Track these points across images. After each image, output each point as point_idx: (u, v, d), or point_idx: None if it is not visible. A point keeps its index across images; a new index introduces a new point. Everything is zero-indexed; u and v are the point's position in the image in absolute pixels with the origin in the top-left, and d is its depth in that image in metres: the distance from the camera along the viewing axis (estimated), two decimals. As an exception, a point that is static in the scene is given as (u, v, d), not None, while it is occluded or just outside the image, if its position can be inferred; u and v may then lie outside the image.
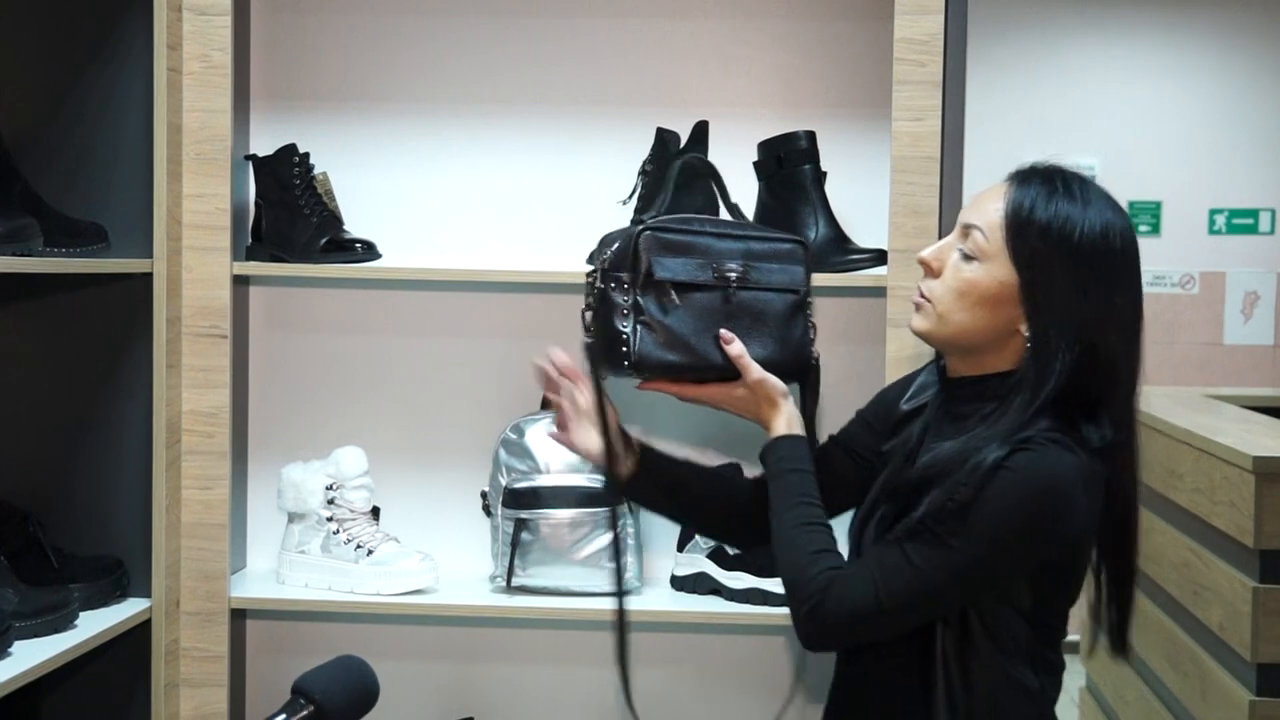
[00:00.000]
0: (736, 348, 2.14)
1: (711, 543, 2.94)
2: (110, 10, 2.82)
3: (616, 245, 2.15)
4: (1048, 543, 1.95)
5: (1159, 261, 7.44)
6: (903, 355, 2.79)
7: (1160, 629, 4.14)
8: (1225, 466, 3.63)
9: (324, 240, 2.97)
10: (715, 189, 2.36)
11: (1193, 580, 3.88)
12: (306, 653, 3.18)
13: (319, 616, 3.16)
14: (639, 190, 2.97)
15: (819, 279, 2.87)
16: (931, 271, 2.06)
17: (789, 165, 2.92)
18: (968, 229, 2.02)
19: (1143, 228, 7.45)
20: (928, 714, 1.99)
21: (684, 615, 2.95)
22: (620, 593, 2.36)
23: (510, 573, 2.93)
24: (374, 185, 3.15)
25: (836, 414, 3.09)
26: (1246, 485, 3.46)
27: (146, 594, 2.86)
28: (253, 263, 3.02)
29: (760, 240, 2.23)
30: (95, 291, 2.86)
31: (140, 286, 2.83)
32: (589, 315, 2.16)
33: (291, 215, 2.99)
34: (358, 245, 2.99)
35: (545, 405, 3.07)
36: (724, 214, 2.42)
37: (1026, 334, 1.98)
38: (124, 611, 2.81)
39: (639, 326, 2.11)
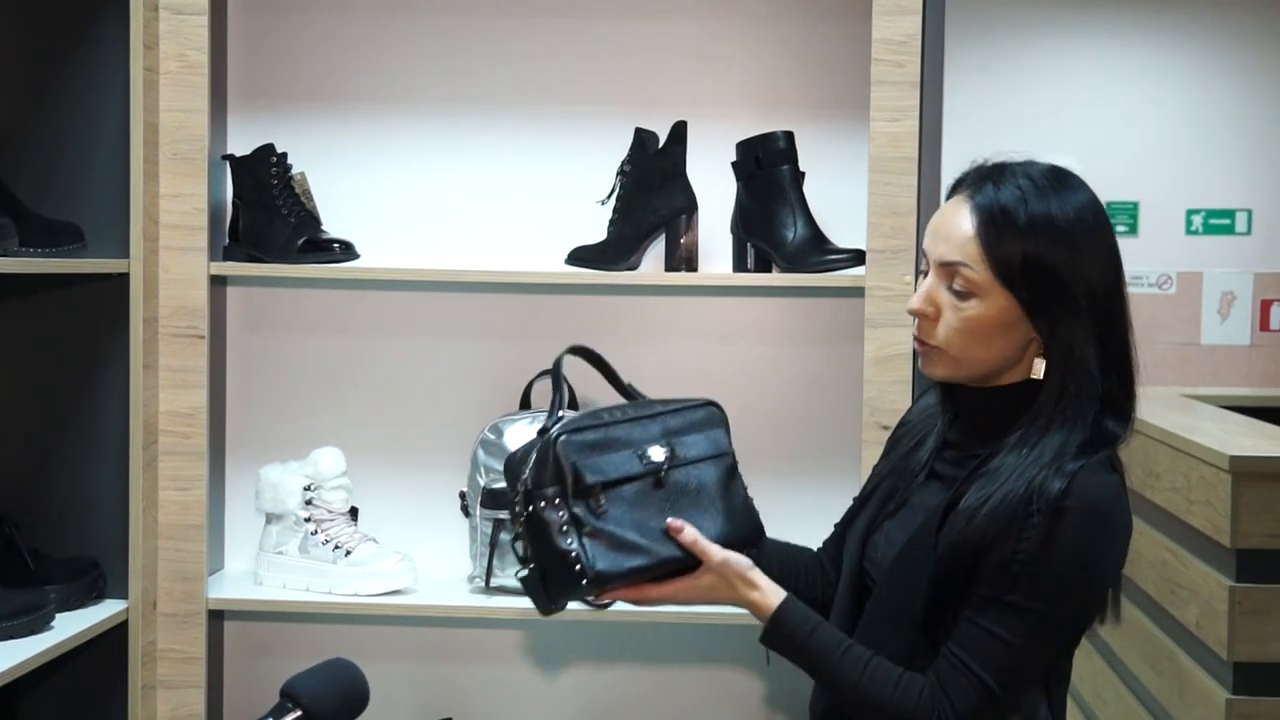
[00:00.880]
0: (689, 533, 1.97)
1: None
2: (86, 9, 2.81)
3: (533, 460, 1.94)
4: (1113, 570, 1.94)
5: (1136, 262, 7.45)
6: (882, 355, 2.79)
7: (1137, 628, 4.15)
8: (1202, 466, 3.64)
9: (301, 240, 2.96)
10: (603, 374, 2.19)
11: (1170, 579, 3.89)
12: (285, 654, 3.18)
13: (297, 617, 3.16)
14: (617, 190, 2.97)
15: (797, 279, 2.89)
16: (928, 319, 1.99)
17: (767, 165, 2.92)
18: (951, 268, 1.95)
19: (1120, 228, 7.46)
20: None
21: (660, 613, 2.95)
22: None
23: (489, 573, 2.93)
24: (352, 185, 3.15)
25: (816, 415, 3.10)
26: (1223, 484, 3.47)
27: (123, 595, 2.85)
28: (230, 263, 3.02)
29: (673, 414, 2.10)
30: (71, 292, 2.85)
31: (117, 287, 2.83)
32: (520, 545, 1.96)
33: (269, 215, 2.98)
34: (335, 245, 2.98)
35: (524, 405, 3.07)
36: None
37: (1042, 344, 1.95)
38: (101, 613, 2.80)
39: (585, 540, 1.91)
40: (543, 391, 3.09)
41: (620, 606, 2.79)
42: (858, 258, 2.87)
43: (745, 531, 2.07)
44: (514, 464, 1.98)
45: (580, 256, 2.97)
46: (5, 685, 2.48)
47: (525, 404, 3.07)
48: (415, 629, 3.19)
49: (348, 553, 2.96)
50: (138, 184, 2.81)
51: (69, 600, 2.77)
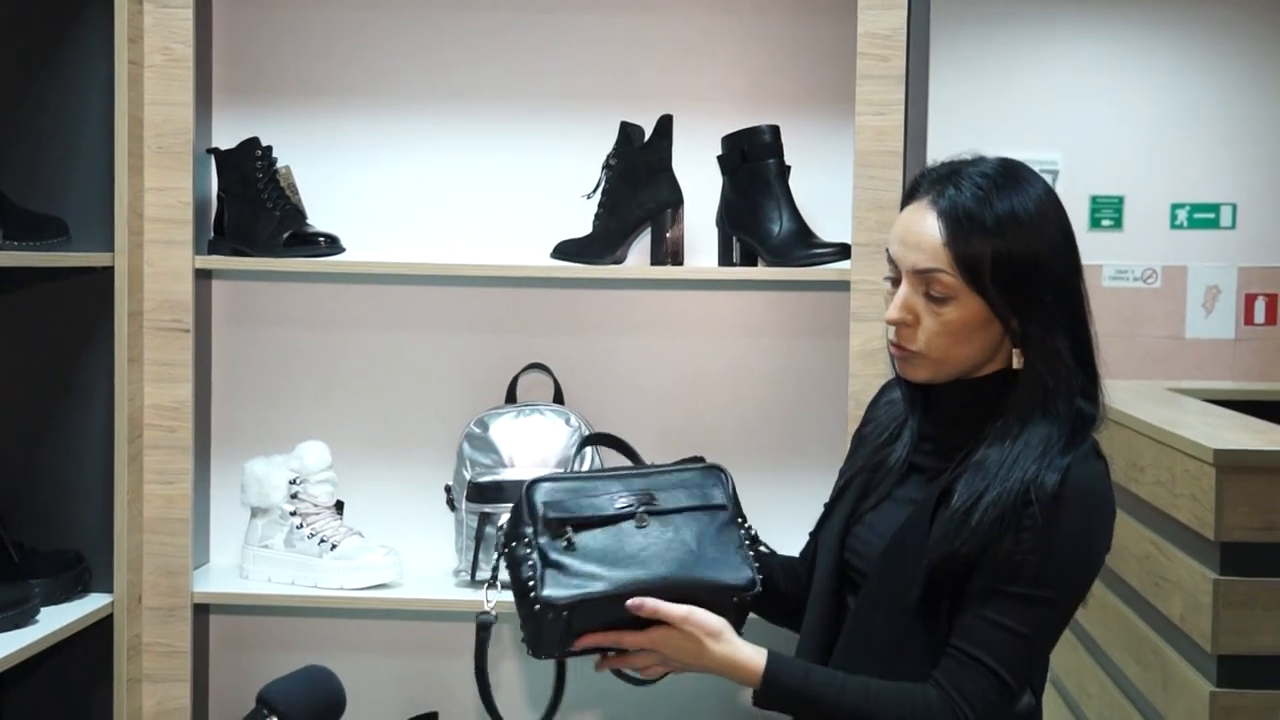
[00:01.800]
0: (649, 605, 1.98)
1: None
2: (70, 3, 2.80)
3: (510, 510, 2.08)
4: (1106, 551, 1.99)
5: (1121, 256, 7.48)
6: (866, 349, 2.80)
7: (1122, 621, 4.16)
8: (1186, 459, 3.65)
9: (287, 234, 2.96)
10: (625, 454, 2.25)
11: (1154, 572, 3.90)
12: (270, 648, 3.18)
13: (282, 611, 3.16)
14: (603, 184, 2.97)
15: (782, 273, 2.89)
16: (907, 325, 2.01)
17: (753, 159, 2.92)
18: (925, 274, 1.98)
19: (1105, 222, 7.49)
20: None
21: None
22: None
23: (474, 567, 2.93)
24: (337, 179, 3.14)
25: (801, 408, 3.11)
26: (1207, 478, 3.48)
27: (108, 589, 2.85)
28: (215, 257, 3.01)
29: (664, 474, 2.14)
30: (56, 285, 2.84)
31: (101, 280, 2.82)
32: (490, 594, 2.09)
33: (254, 209, 2.98)
34: (321, 239, 2.98)
35: (510, 399, 3.07)
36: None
37: (1018, 337, 1.98)
38: (86, 607, 2.79)
39: (544, 570, 1.99)
40: (528, 385, 3.09)
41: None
42: (843, 252, 2.87)
43: (730, 579, 2.05)
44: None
45: (566, 250, 2.97)
46: (-10, 679, 2.48)
47: (511, 398, 3.08)
48: (401, 623, 3.19)
49: (333, 546, 2.96)
50: (122, 178, 2.80)
51: (54, 594, 2.76)
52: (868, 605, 2.04)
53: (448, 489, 3.01)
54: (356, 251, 3.03)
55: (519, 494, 2.06)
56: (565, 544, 1.99)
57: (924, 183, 2.04)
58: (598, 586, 1.98)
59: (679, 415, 3.14)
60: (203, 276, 3.07)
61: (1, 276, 2.83)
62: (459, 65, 3.13)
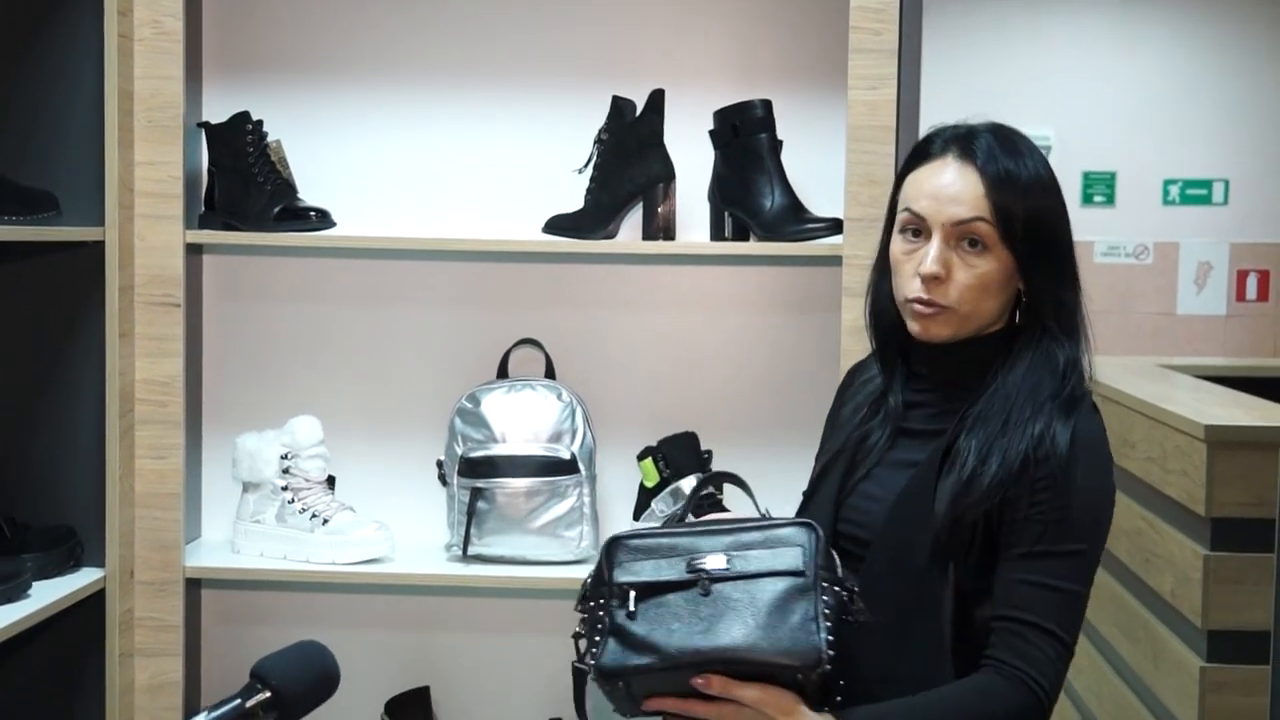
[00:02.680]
0: (716, 683, 1.88)
1: (667, 512, 2.94)
2: (60, -25, 2.80)
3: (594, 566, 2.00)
4: (1114, 495, 2.05)
5: (1113, 232, 7.48)
6: (859, 324, 2.77)
7: (1112, 596, 4.17)
8: (1177, 435, 3.66)
9: (278, 208, 2.95)
10: (745, 492, 2.12)
11: (1144, 548, 3.91)
12: (262, 622, 3.18)
13: (274, 586, 3.16)
14: (595, 159, 2.96)
15: (774, 248, 2.89)
16: (940, 281, 2.01)
17: (745, 134, 2.92)
18: (964, 226, 1.99)
19: (1097, 198, 7.49)
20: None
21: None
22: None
23: (466, 541, 2.93)
24: (328, 153, 3.13)
25: (793, 383, 3.11)
26: (1198, 454, 3.49)
27: (100, 564, 2.85)
28: (206, 231, 3.01)
29: (754, 530, 1.99)
30: (46, 260, 2.84)
31: (92, 255, 2.81)
32: (582, 643, 1.97)
33: (245, 183, 2.97)
34: (312, 213, 2.97)
35: (502, 374, 3.07)
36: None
37: (1031, 293, 2.03)
38: (78, 581, 2.80)
39: (608, 637, 1.92)
40: (519, 360, 3.09)
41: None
42: (835, 226, 2.87)
43: (792, 653, 1.91)
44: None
45: (557, 225, 2.97)
46: (-19, 653, 2.48)
47: (503, 373, 3.07)
48: (392, 597, 3.19)
49: (325, 521, 2.96)
50: (112, 151, 2.79)
51: (46, 568, 2.76)
52: (876, 571, 2.03)
53: (439, 464, 3.01)
54: (348, 226, 3.02)
55: (601, 549, 1.98)
56: (627, 612, 1.92)
57: (939, 141, 2.05)
58: (651, 659, 1.90)
59: (670, 390, 3.14)
60: (193, 251, 3.06)
61: (-8, 251, 2.83)
62: (450, 39, 3.12)
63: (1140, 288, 7.50)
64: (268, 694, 1.58)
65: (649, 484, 2.99)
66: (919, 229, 2.04)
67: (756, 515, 2.07)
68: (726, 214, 2.95)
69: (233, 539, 3.06)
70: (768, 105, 2.92)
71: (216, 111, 3.06)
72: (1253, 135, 7.47)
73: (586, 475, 2.95)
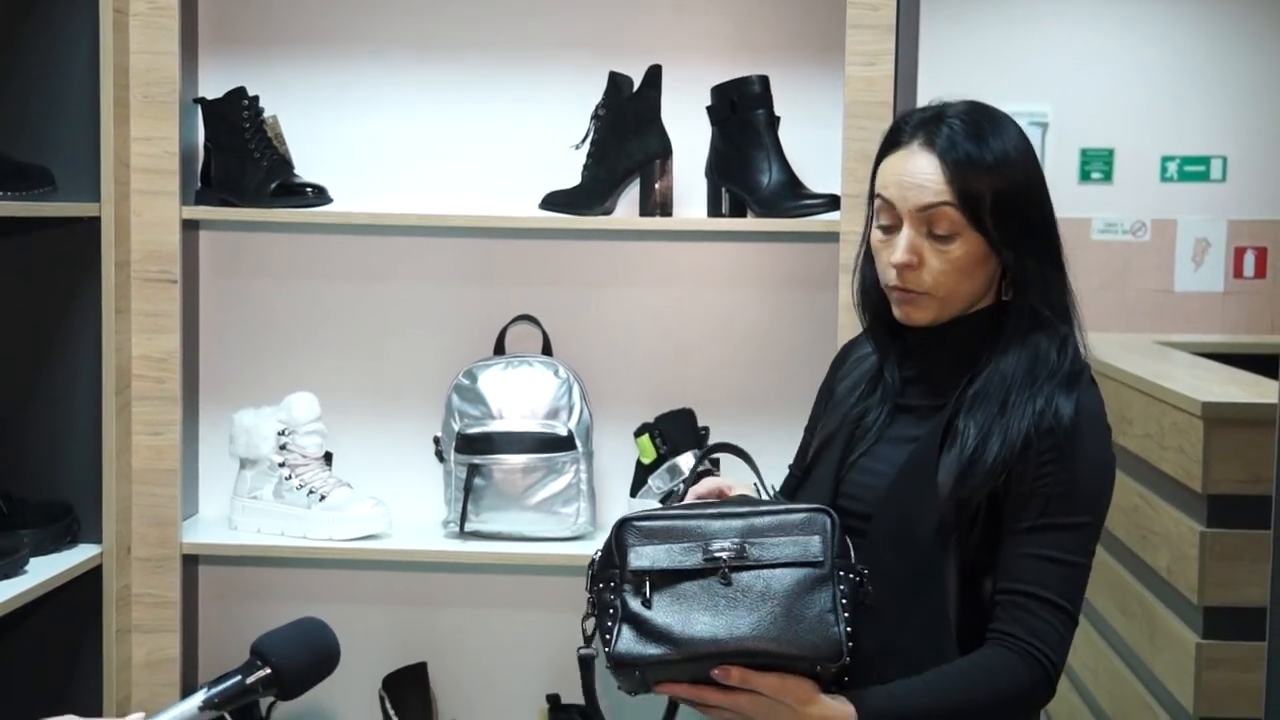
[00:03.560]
0: (735, 674, 1.88)
1: (665, 489, 2.95)
2: (55, -50, 2.78)
3: (602, 545, 1.97)
4: (1115, 467, 2.08)
5: (1111, 209, 7.47)
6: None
7: (1108, 573, 4.18)
8: (1174, 412, 3.66)
9: (274, 184, 2.95)
10: (748, 464, 2.11)
11: (1141, 525, 3.91)
12: (259, 598, 3.19)
13: (271, 562, 3.16)
14: (591, 134, 2.95)
15: (771, 224, 2.89)
16: (912, 268, 2.01)
17: (742, 110, 2.91)
18: (930, 212, 1.99)
19: (1095, 175, 7.48)
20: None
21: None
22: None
23: (463, 518, 2.93)
24: (325, 129, 3.13)
25: (790, 360, 3.10)
26: (1195, 431, 3.49)
27: (97, 540, 2.85)
28: (202, 207, 3.00)
29: (767, 514, 1.97)
30: (42, 236, 2.83)
31: (88, 230, 2.81)
32: (589, 624, 1.95)
33: (241, 159, 2.96)
34: (308, 189, 2.97)
35: (499, 350, 3.07)
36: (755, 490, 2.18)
37: (1011, 268, 2.02)
38: (75, 557, 2.79)
39: (620, 624, 1.90)
40: (516, 336, 3.09)
41: (593, 553, 2.81)
42: (832, 203, 2.87)
43: (813, 647, 1.90)
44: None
45: (554, 201, 2.97)
46: (-21, 629, 2.48)
47: (499, 349, 3.07)
48: (389, 573, 3.19)
49: (322, 497, 2.96)
50: (108, 127, 2.78)
51: (43, 544, 2.76)
52: (879, 544, 2.03)
53: (436, 440, 3.01)
54: (344, 202, 3.02)
55: (611, 530, 1.95)
56: (643, 600, 1.90)
57: (907, 128, 2.05)
58: (668, 649, 1.89)
59: (668, 366, 3.14)
60: (190, 227, 3.06)
61: (-12, 226, 2.83)
62: (447, 15, 3.11)
63: (1138, 265, 7.49)
64: (268, 671, 1.58)
65: (646, 460, 3.00)
66: (891, 215, 2.04)
67: (765, 497, 2.08)
68: (724, 190, 2.95)
69: (230, 515, 3.06)
70: (765, 81, 2.92)
71: (213, 87, 3.05)
72: (1250, 112, 7.46)
73: (583, 452, 2.95)
